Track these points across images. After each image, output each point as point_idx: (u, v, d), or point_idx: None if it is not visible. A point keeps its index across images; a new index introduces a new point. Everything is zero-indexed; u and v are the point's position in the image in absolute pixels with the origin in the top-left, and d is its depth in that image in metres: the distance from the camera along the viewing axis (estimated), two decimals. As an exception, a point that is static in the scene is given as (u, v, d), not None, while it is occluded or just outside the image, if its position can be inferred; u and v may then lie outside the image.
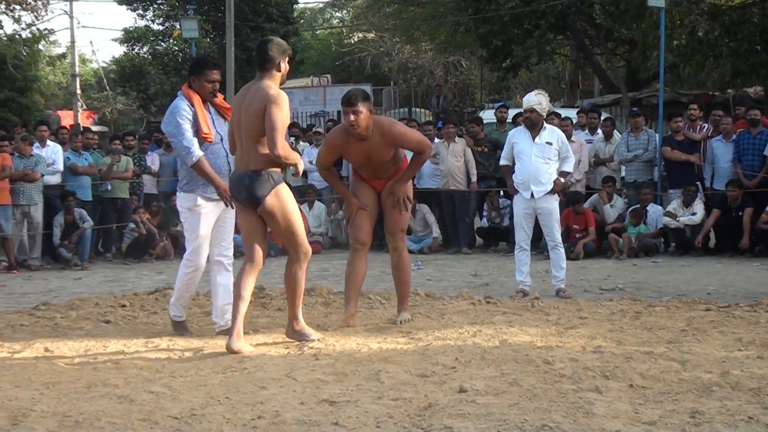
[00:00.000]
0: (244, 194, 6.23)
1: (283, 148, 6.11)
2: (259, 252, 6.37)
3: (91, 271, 12.50)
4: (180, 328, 7.03)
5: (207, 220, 6.84)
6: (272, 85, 6.24)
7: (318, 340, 6.43)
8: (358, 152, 6.99)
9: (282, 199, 6.26)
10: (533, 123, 9.04)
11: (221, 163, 6.84)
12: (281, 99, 6.13)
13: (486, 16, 22.53)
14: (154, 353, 6.28)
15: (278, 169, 6.28)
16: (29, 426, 4.32)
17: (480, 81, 31.78)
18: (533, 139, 9.06)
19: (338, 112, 22.26)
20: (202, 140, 6.73)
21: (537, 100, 9.03)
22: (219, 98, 6.97)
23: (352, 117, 6.69)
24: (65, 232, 13.11)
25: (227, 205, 6.72)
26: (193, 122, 6.73)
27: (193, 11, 26.29)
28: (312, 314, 7.83)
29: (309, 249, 6.51)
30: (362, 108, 6.70)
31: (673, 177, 13.44)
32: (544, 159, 9.03)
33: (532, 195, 9.01)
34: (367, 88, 26.77)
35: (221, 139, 6.86)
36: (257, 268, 6.36)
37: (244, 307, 6.26)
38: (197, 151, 6.65)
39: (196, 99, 6.80)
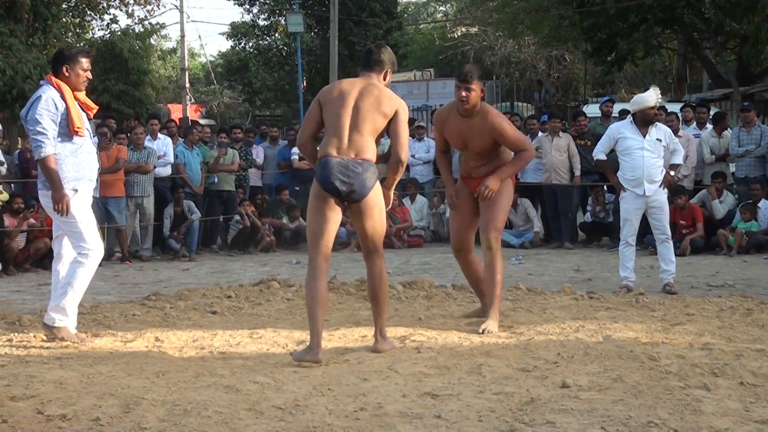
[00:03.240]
0: (352, 183, 5.80)
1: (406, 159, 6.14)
2: (330, 251, 5.96)
3: (198, 263, 12.78)
4: (62, 333, 6.49)
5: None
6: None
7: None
8: (456, 131, 6.87)
9: (380, 195, 6.02)
10: (652, 121, 8.96)
11: (93, 160, 6.64)
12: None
13: (591, 10, 22.24)
14: (259, 344, 6.39)
15: None
16: (140, 414, 4.45)
17: (584, 75, 31.38)
18: (644, 136, 8.95)
19: (442, 105, 22.29)
20: (73, 134, 6.45)
21: (657, 97, 8.98)
22: (83, 93, 6.65)
23: (463, 93, 6.63)
24: (174, 223, 13.42)
25: (59, 212, 6.36)
26: (63, 115, 6.42)
27: (298, 6, 26.64)
28: (414, 307, 7.88)
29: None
30: (475, 86, 6.67)
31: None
32: (655, 155, 8.94)
33: (644, 192, 8.90)
34: (470, 82, 26.74)
35: (90, 135, 6.68)
36: (328, 266, 5.94)
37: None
38: (50, 149, 6.31)
39: (66, 90, 6.48)
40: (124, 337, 6.65)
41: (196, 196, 13.79)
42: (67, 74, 6.51)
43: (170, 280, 10.76)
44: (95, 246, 6.56)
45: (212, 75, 40.77)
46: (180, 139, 14.49)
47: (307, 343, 5.80)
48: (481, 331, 6.57)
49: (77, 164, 6.50)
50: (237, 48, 32.36)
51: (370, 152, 5.89)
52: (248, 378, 5.15)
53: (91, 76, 6.68)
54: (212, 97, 40.00)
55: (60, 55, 6.65)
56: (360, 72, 6.21)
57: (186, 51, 36.28)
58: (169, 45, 39.81)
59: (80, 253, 6.53)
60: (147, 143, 13.45)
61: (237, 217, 14.06)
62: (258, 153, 15.07)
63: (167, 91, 37.40)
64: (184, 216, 13.41)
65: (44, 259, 11.98)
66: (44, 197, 6.53)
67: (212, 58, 46.06)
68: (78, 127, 6.45)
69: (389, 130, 6.01)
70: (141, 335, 6.73)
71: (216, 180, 14.16)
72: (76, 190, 6.48)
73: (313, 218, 5.94)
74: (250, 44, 31.89)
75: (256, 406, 4.55)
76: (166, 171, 13.78)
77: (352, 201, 5.89)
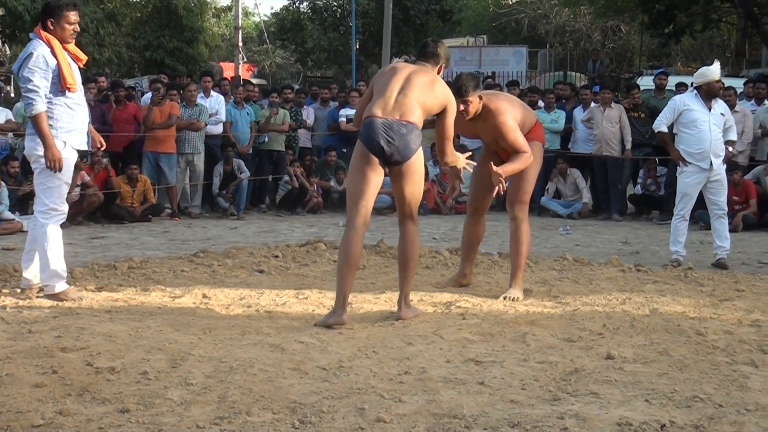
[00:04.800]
0: (396, 143, 5.77)
1: (453, 154, 6.24)
2: (369, 213, 5.92)
3: (247, 221, 12.86)
4: (69, 295, 6.48)
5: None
6: None
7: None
8: (466, 127, 6.86)
9: (422, 159, 6.02)
10: (717, 94, 8.90)
11: (85, 113, 6.61)
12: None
13: (650, -20, 21.89)
14: (305, 305, 6.44)
15: None
16: (187, 369, 4.51)
17: (639, 47, 30.94)
18: (709, 109, 8.85)
19: (494, 72, 22.15)
20: (65, 90, 6.41)
21: (720, 71, 8.87)
22: (72, 44, 6.57)
23: (461, 107, 6.49)
24: (224, 181, 13.51)
25: (52, 169, 6.33)
26: (54, 71, 6.36)
27: (355, -33, 26.54)
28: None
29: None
30: (472, 98, 6.54)
31: None
32: (720, 129, 8.90)
33: (711, 165, 8.81)
34: (523, 50, 26.60)
35: (80, 88, 6.60)
36: (366, 229, 5.91)
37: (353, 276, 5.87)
38: (41, 106, 6.29)
39: (56, 45, 6.41)
40: (172, 293, 6.73)
41: (244, 155, 13.85)
42: (52, 28, 6.44)
43: (218, 238, 10.85)
44: (61, 206, 6.54)
45: (265, 34, 40.83)
46: (231, 97, 14.55)
47: (353, 305, 5.81)
48: (504, 298, 6.60)
49: (69, 118, 6.50)
50: (292, 7, 32.29)
51: (416, 116, 5.86)
52: (294, 338, 5.20)
53: (78, 29, 6.59)
54: (264, 57, 40.11)
55: (46, 8, 6.54)
56: (415, 61, 6.25)
57: (240, 9, 36.32)
58: (224, 3, 39.87)
59: (42, 212, 6.48)
60: (199, 100, 13.52)
61: (286, 178, 14.13)
62: (308, 114, 15.07)
63: (220, 49, 37.52)
64: (234, 174, 13.50)
65: (96, 213, 12.17)
66: (30, 142, 6.51)
67: (266, 18, 46.07)
68: (70, 84, 6.42)
69: (438, 128, 6.13)
70: (189, 291, 6.81)
71: (266, 140, 14.22)
72: (65, 143, 6.47)
73: (354, 177, 5.91)
74: (305, 4, 31.81)
75: (301, 366, 4.59)
76: (218, 129, 13.84)
77: (394, 163, 5.85)
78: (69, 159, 6.53)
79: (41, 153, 6.39)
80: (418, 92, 5.88)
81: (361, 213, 5.82)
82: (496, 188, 6.55)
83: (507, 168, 6.61)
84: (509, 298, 6.60)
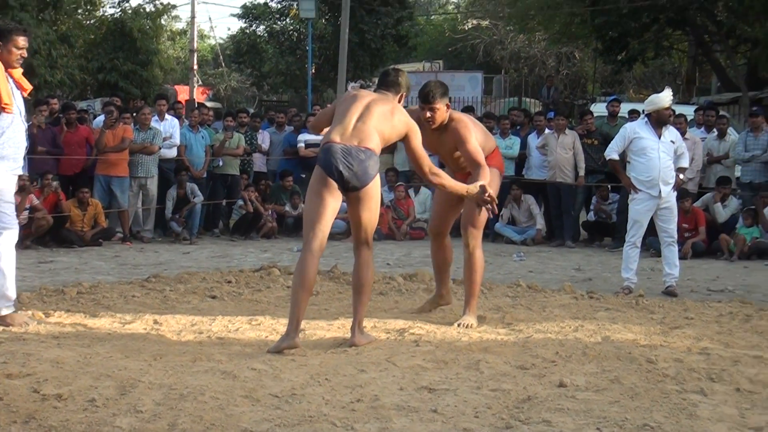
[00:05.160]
0: (355, 169, 5.75)
1: (434, 170, 6.22)
2: (326, 236, 5.88)
3: (199, 246, 12.77)
4: (15, 319, 6.37)
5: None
6: None
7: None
8: (426, 138, 6.65)
9: (378, 186, 6.03)
10: (666, 122, 8.99)
11: (21, 138, 6.51)
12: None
13: (603, 8, 22.17)
14: (258, 331, 6.39)
15: None
16: (137, 396, 4.44)
17: (593, 73, 31.32)
18: (659, 137, 8.95)
19: (450, 97, 22.26)
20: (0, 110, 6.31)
21: (671, 98, 8.97)
22: (18, 71, 6.50)
23: (428, 114, 6.50)
24: (177, 205, 13.41)
25: None
26: None
27: (311, -9, 26.57)
28: (414, 300, 7.87)
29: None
30: (439, 105, 6.51)
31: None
32: (669, 157, 8.99)
33: (660, 193, 8.90)
34: (479, 75, 26.80)
35: (20, 113, 6.49)
36: (321, 254, 5.89)
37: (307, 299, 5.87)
38: None
39: None
40: (122, 319, 6.65)
41: (198, 179, 13.77)
42: None
43: (170, 263, 10.76)
44: (11, 223, 6.47)
45: (221, 58, 40.76)
46: (186, 121, 14.47)
47: (306, 332, 5.77)
48: (458, 325, 6.56)
49: (5, 142, 6.36)
50: (248, 30, 32.28)
51: (374, 143, 5.87)
52: (246, 364, 5.14)
53: (26, 55, 6.52)
54: (220, 80, 39.99)
55: None
56: (376, 90, 6.28)
57: (195, 32, 36.27)
58: (179, 26, 39.80)
59: None
60: (153, 124, 13.43)
61: (240, 202, 14.06)
62: (264, 138, 15.04)
63: (175, 72, 37.43)
64: (187, 199, 13.41)
65: (45, 237, 12.01)
66: None
67: (221, 41, 46.04)
68: (5, 104, 6.32)
69: (409, 155, 6.22)
70: (140, 317, 6.73)
71: (221, 163, 14.16)
72: None
73: (312, 201, 5.89)
74: (261, 27, 31.82)
75: (253, 393, 4.55)
76: (172, 153, 13.75)
77: (352, 189, 5.84)
78: (6, 178, 6.41)
79: None
80: (376, 120, 5.91)
81: (317, 236, 5.79)
82: (486, 209, 6.44)
83: (483, 182, 6.47)
84: (463, 325, 6.59)
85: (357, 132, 5.85)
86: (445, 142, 6.74)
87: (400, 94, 6.24)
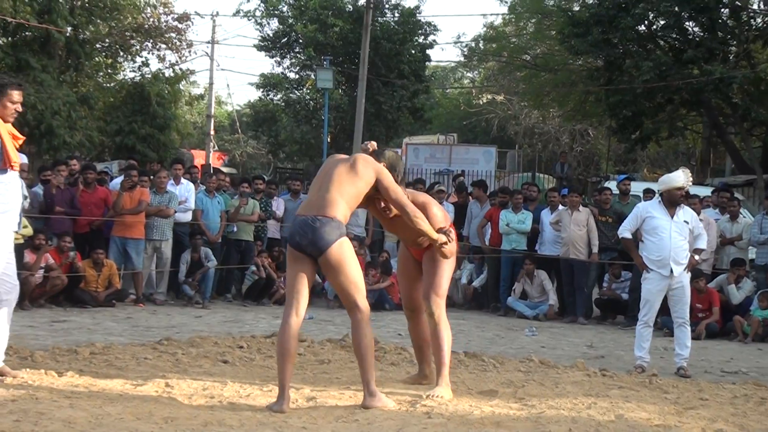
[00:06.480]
0: (310, 238, 5.98)
1: (415, 212, 6.36)
2: (305, 305, 6.11)
3: (212, 310, 12.77)
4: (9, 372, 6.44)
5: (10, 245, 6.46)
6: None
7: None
8: (385, 220, 6.89)
9: (346, 249, 6.10)
10: (678, 201, 9.00)
11: (19, 193, 6.53)
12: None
13: (618, 87, 22.35)
14: (269, 397, 6.36)
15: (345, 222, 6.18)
16: (148, 458, 4.43)
17: (607, 151, 31.50)
18: (672, 216, 8.98)
19: (463, 170, 22.38)
20: (7, 168, 6.34)
21: (686, 179, 9.01)
22: (9, 124, 6.49)
23: (382, 203, 6.66)
24: (190, 269, 13.45)
25: None
26: None
27: (328, 63, 26.97)
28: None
29: (368, 306, 6.24)
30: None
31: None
32: (682, 237, 8.99)
33: (671, 273, 8.90)
34: (493, 150, 26.95)
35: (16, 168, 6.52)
36: (300, 322, 6.11)
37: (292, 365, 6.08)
38: None
39: None
40: (134, 381, 6.64)
41: (212, 244, 13.82)
42: None
43: (183, 326, 10.75)
44: (12, 289, 6.44)
45: (237, 124, 41.16)
46: (201, 185, 14.57)
47: (317, 400, 5.79)
48: (428, 396, 6.47)
49: (5, 197, 6.41)
50: (265, 99, 32.65)
51: (333, 209, 6.06)
52: (256, 430, 5.12)
53: (20, 109, 6.57)
54: (236, 146, 40.36)
55: None
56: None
57: (213, 98, 36.68)
58: (197, 91, 40.24)
59: None
60: (169, 187, 13.53)
61: (253, 268, 14.08)
62: (278, 205, 15.11)
63: (192, 136, 37.75)
64: (201, 263, 13.45)
65: (59, 296, 12.04)
66: None
67: (238, 108, 46.53)
68: (14, 162, 6.40)
69: (385, 195, 6.35)
70: (151, 379, 6.71)
71: (235, 229, 14.21)
72: None
73: (287, 274, 6.23)
74: (279, 96, 32.18)
75: (264, 460, 4.52)
76: (187, 217, 13.82)
77: (313, 255, 6.04)
78: (6, 234, 6.43)
79: None
80: (336, 185, 6.16)
81: (293, 307, 6.05)
82: (448, 240, 6.61)
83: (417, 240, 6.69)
84: (435, 396, 6.47)
85: (317, 201, 6.12)
86: (397, 221, 6.72)
87: (388, 165, 6.44)
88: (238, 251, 14.31)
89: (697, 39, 22.25)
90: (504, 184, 21.79)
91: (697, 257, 9.25)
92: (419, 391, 6.74)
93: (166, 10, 27.08)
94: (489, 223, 14.45)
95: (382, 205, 6.59)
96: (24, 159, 10.07)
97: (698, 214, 12.22)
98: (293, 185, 16.03)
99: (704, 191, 15.70)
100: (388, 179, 6.30)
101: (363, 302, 6.16)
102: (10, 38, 23.38)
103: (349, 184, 6.17)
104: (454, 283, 14.63)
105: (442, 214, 6.91)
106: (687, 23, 22.82)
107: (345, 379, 7.20)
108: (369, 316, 6.19)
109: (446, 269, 6.94)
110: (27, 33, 23.09)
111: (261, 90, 32.67)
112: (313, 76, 29.39)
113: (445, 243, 6.60)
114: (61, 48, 23.87)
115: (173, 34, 27.21)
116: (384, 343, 9.11)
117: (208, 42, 36.19)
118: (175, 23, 27.23)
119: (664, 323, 11.55)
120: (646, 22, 22.87)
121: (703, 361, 9.95)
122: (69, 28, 23.58)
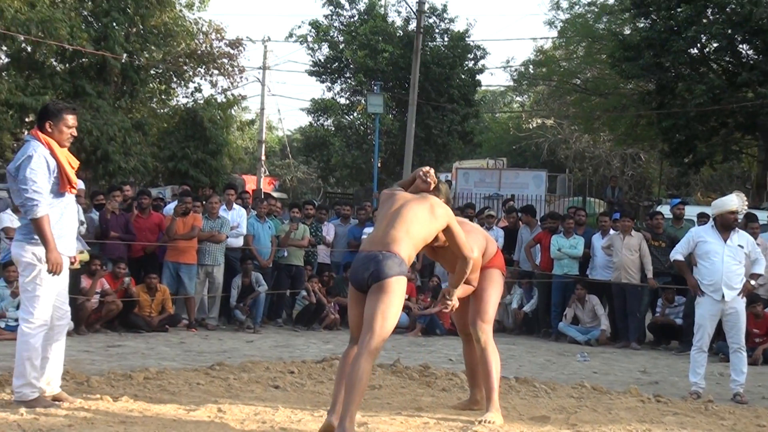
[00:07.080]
0: (372, 270, 5.87)
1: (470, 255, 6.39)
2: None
3: (263, 335, 12.83)
4: (40, 403, 6.34)
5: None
6: None
7: None
8: (438, 252, 6.93)
9: (398, 288, 5.92)
10: (731, 225, 8.91)
11: (74, 218, 6.58)
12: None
13: (670, 111, 22.18)
14: (320, 423, 6.36)
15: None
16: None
17: (659, 175, 31.25)
18: (725, 241, 8.90)
19: (513, 195, 22.34)
20: (64, 192, 6.38)
21: (740, 203, 8.93)
22: (65, 149, 6.52)
23: None
24: (241, 294, 13.54)
25: (53, 272, 6.24)
26: (54, 172, 6.33)
27: (379, 88, 27.10)
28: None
29: (379, 348, 5.95)
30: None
31: None
32: (736, 261, 8.89)
33: (723, 297, 8.81)
34: (543, 174, 26.88)
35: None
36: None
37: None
38: (45, 209, 6.21)
39: (55, 146, 6.39)
40: (187, 406, 6.69)
41: (263, 269, 13.92)
42: (50, 130, 6.44)
43: (234, 351, 10.82)
44: (44, 316, 6.39)
45: (288, 149, 41.46)
46: (252, 211, 14.69)
47: (369, 426, 5.77)
48: (479, 421, 6.45)
49: (62, 222, 6.45)
50: (316, 124, 32.90)
51: (400, 247, 5.99)
52: (309, 456, 5.14)
53: (75, 134, 6.61)
54: (286, 171, 40.62)
55: (44, 110, 6.57)
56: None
57: (264, 124, 36.99)
58: (248, 116, 40.62)
59: (26, 320, 6.36)
60: (221, 213, 13.66)
61: (303, 293, 14.14)
62: (328, 230, 15.17)
63: (243, 162, 38.09)
64: (252, 287, 13.53)
65: (114, 321, 12.18)
66: (18, 248, 6.41)
67: (289, 133, 46.88)
68: (74, 184, 6.46)
69: (450, 240, 6.37)
70: (204, 404, 6.76)
71: (285, 254, 14.30)
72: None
73: (349, 306, 6.21)
74: (329, 121, 32.39)
75: (316, 486, 4.54)
76: (238, 242, 13.93)
77: (370, 285, 5.92)
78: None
79: (29, 259, 6.34)
80: (407, 223, 6.11)
81: (355, 339, 6.04)
82: (445, 308, 6.67)
83: (452, 282, 6.67)
84: (486, 422, 6.45)
85: (382, 238, 6.06)
86: (447, 254, 6.75)
87: (443, 199, 6.48)
88: (289, 276, 14.38)
89: (751, 62, 22.02)
90: (554, 209, 21.70)
91: (753, 282, 9.13)
92: (470, 416, 6.72)
93: (219, 35, 27.35)
94: (538, 245, 14.41)
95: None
96: (81, 184, 10.25)
97: (756, 238, 12.08)
98: (343, 210, 16.13)
99: (761, 215, 15.48)
100: (457, 226, 6.33)
101: (379, 338, 5.85)
102: (67, 65, 23.75)
103: (421, 226, 6.14)
104: (504, 307, 14.59)
105: (484, 244, 6.93)
106: (740, 46, 22.61)
107: (396, 405, 7.19)
108: (376, 354, 5.91)
109: (493, 295, 6.96)
110: (84, 60, 23.45)
111: (312, 115, 32.88)
112: (363, 101, 29.53)
113: (445, 307, 6.69)
114: (117, 74, 24.21)
115: (225, 60, 27.48)
116: (435, 368, 9.10)
117: (260, 68, 36.61)
118: (228, 49, 27.50)
119: (719, 348, 11.42)
120: (698, 45, 22.69)
121: (761, 387, 9.80)
122: (125, 55, 23.93)
